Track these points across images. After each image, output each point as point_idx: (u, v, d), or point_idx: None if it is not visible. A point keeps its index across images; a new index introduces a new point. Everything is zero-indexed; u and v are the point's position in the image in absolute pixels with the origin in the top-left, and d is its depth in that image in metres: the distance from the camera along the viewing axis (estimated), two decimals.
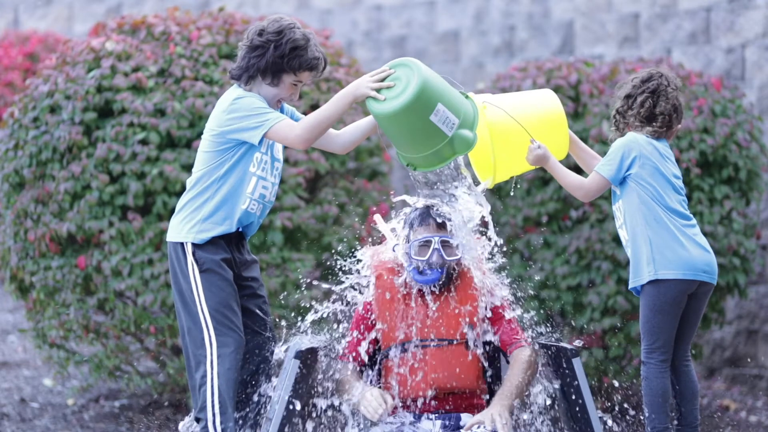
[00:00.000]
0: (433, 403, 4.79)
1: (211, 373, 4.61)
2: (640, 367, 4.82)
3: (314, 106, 6.80)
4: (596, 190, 4.87)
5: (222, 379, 4.60)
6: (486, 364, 4.85)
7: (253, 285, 4.85)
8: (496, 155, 4.73)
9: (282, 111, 4.82)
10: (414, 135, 4.57)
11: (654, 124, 4.86)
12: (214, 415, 4.61)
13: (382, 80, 4.55)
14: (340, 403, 4.79)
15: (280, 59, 4.65)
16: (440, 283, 4.78)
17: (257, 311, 4.84)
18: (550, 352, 4.88)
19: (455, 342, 4.75)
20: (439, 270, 4.75)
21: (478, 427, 4.59)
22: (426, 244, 4.76)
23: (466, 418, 4.77)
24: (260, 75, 4.69)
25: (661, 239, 4.74)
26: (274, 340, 4.88)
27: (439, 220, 4.78)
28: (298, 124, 4.61)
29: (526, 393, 4.76)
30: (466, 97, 4.69)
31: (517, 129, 4.76)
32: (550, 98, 4.92)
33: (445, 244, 4.76)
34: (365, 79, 4.57)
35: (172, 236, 4.74)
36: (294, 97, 4.75)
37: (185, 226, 4.70)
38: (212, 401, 4.61)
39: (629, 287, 4.90)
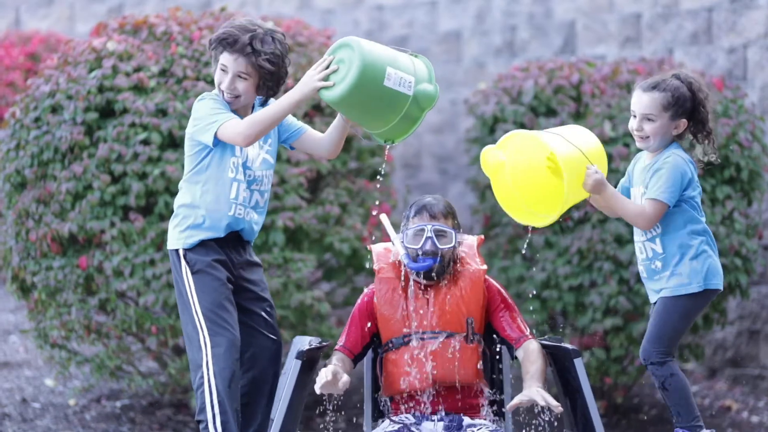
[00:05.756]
0: (433, 399, 4.79)
1: (208, 374, 4.62)
2: (660, 373, 4.66)
3: (316, 107, 6.79)
4: (657, 217, 4.70)
5: (218, 378, 4.61)
6: (486, 360, 4.85)
7: (254, 288, 4.85)
8: (567, 185, 4.56)
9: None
10: (377, 106, 4.54)
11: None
12: (213, 415, 4.61)
13: (327, 68, 4.53)
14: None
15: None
16: (435, 272, 4.78)
17: (262, 314, 4.84)
18: (551, 353, 4.87)
19: (455, 335, 4.76)
20: (432, 259, 4.77)
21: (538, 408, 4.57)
22: (419, 232, 4.78)
23: (468, 420, 4.77)
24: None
25: (705, 252, 4.70)
26: (280, 342, 4.89)
27: (435, 210, 4.79)
28: (242, 122, 4.59)
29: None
30: (416, 56, 4.65)
31: (573, 162, 4.62)
32: (596, 142, 4.78)
33: (438, 232, 4.78)
34: (309, 74, 4.54)
35: (169, 244, 4.81)
36: (234, 86, 4.68)
37: (177, 233, 4.76)
38: (211, 401, 4.62)
39: (668, 294, 4.67)
